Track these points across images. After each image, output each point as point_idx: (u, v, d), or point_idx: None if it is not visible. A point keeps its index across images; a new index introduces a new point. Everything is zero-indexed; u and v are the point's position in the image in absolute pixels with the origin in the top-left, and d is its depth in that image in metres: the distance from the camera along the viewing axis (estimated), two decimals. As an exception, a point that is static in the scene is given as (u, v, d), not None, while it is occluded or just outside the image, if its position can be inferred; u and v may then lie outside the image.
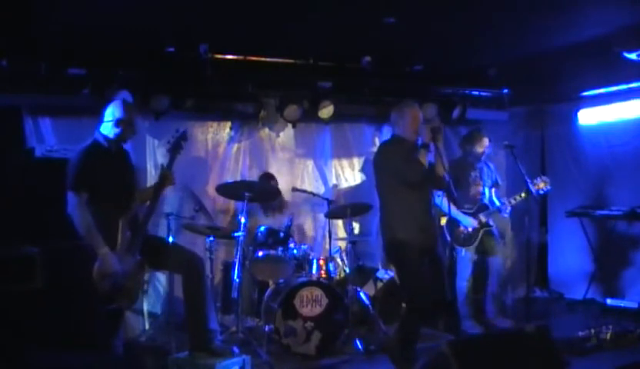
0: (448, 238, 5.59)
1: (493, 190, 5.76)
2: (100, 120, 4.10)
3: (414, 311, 4.31)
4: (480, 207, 5.60)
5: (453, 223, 5.59)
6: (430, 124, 4.47)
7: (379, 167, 4.51)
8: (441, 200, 4.98)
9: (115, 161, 4.11)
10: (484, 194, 5.68)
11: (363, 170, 7.02)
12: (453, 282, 5.59)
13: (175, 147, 4.23)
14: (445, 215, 5.40)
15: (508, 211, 5.55)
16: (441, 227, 5.57)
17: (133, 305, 4.27)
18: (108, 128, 4.06)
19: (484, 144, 5.72)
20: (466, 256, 5.61)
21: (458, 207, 5.51)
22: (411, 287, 4.32)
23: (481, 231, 5.58)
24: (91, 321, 4.01)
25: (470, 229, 5.56)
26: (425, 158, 4.34)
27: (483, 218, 5.56)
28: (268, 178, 6.13)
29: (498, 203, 5.62)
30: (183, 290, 4.23)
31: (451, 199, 4.45)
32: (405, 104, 4.55)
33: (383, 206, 4.49)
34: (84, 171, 3.91)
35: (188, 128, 6.01)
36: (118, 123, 4.03)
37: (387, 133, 6.84)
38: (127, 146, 4.42)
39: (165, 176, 4.17)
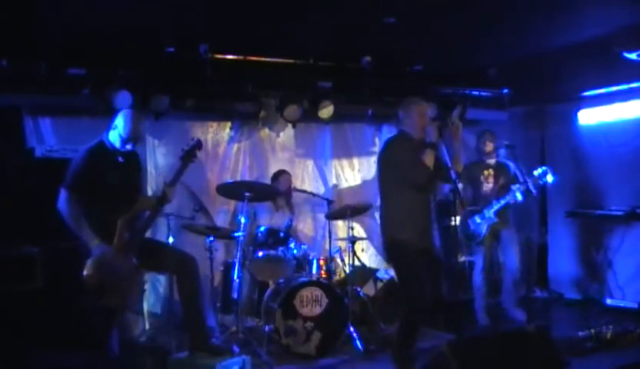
0: (460, 235, 5.83)
1: (510, 186, 5.72)
2: (109, 125, 4.17)
3: (413, 311, 4.31)
4: (486, 203, 5.70)
5: (463, 220, 5.78)
6: (437, 123, 4.39)
7: (383, 164, 4.41)
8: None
9: (119, 163, 4.14)
10: (495, 189, 5.76)
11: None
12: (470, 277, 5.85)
13: (188, 156, 4.19)
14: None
15: (519, 198, 5.59)
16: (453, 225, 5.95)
17: (124, 306, 4.23)
18: (115, 138, 4.13)
19: (490, 140, 5.86)
20: (480, 252, 5.75)
21: (473, 204, 5.74)
22: (409, 286, 4.30)
23: (485, 226, 5.66)
24: (88, 321, 4.00)
25: (477, 223, 5.68)
26: (431, 157, 4.22)
27: (487, 213, 5.65)
28: (280, 173, 6.17)
29: (513, 197, 5.61)
30: (178, 291, 4.26)
31: (459, 198, 4.42)
32: (412, 101, 4.43)
33: (384, 204, 4.42)
34: (83, 173, 3.93)
35: (188, 128, 6.13)
36: (125, 141, 4.12)
37: (387, 133, 6.85)
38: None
39: (165, 193, 4.14)
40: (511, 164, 5.89)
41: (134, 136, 4.16)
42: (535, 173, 5.62)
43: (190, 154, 4.19)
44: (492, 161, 5.86)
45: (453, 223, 6.56)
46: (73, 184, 3.92)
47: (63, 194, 3.91)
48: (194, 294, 4.21)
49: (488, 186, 5.80)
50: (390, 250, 4.44)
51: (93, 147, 4.08)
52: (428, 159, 4.20)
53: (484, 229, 5.65)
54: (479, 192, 5.80)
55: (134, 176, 4.29)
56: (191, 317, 4.21)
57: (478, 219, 5.69)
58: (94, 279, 3.82)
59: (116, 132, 4.13)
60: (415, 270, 4.22)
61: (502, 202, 5.60)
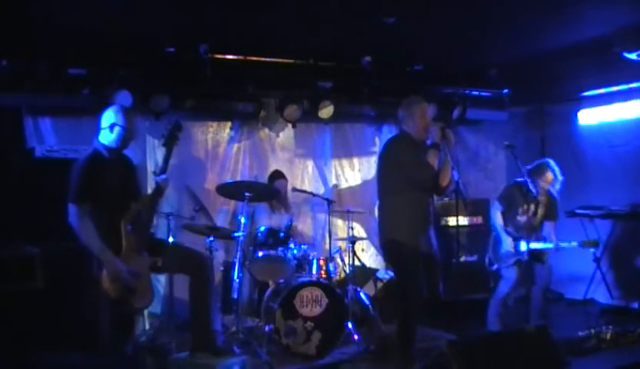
0: (492, 254, 5.48)
1: (547, 223, 5.44)
2: (97, 127, 4.05)
3: (410, 311, 4.31)
4: (522, 235, 5.34)
5: (496, 240, 5.45)
6: (441, 123, 4.37)
7: (385, 163, 4.40)
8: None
9: (115, 169, 4.04)
10: (530, 223, 5.41)
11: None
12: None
13: (170, 139, 4.12)
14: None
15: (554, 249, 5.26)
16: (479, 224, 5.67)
17: (151, 303, 4.22)
18: (106, 136, 4.00)
19: (547, 180, 5.38)
20: (512, 271, 5.37)
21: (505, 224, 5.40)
22: (407, 286, 4.30)
23: (515, 259, 5.31)
24: (95, 323, 3.99)
25: (509, 250, 5.34)
26: (435, 159, 4.21)
27: (523, 246, 5.28)
28: (277, 176, 6.15)
29: (550, 243, 5.29)
30: (190, 291, 4.21)
31: (461, 200, 4.38)
32: (413, 100, 4.39)
33: (384, 204, 4.41)
34: (85, 183, 3.85)
35: (188, 128, 6.12)
36: (112, 127, 3.97)
37: (387, 133, 6.85)
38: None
39: (158, 184, 4.11)
40: (554, 200, 5.49)
41: (125, 124, 3.97)
42: (587, 243, 5.30)
43: (171, 137, 4.12)
44: (537, 191, 5.27)
45: (454, 223, 6.58)
46: (79, 197, 3.84)
47: (72, 210, 3.83)
48: (205, 295, 4.20)
49: (523, 218, 5.41)
50: (388, 249, 4.44)
51: (88, 157, 3.96)
52: (431, 160, 4.20)
53: (513, 261, 5.30)
54: (514, 220, 5.41)
55: (130, 180, 4.20)
56: (199, 318, 4.20)
57: (509, 244, 5.31)
58: (115, 289, 3.79)
59: (106, 130, 3.97)
60: (412, 270, 4.22)
61: (541, 245, 5.27)
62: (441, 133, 4.23)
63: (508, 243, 5.36)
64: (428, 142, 4.32)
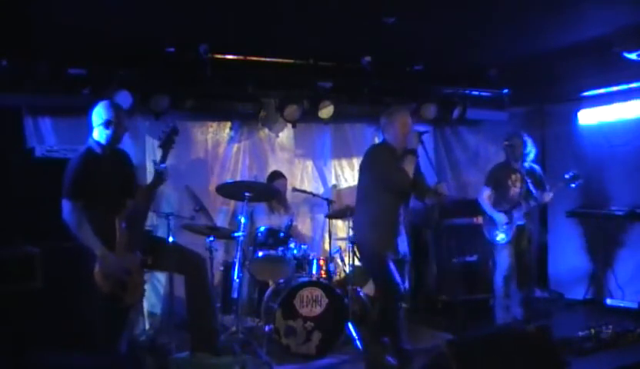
0: (487, 236, 5.70)
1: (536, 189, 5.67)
2: (89, 125, 4.05)
3: (389, 308, 4.43)
4: (514, 205, 5.60)
5: (490, 221, 5.67)
6: (417, 132, 4.48)
7: (365, 169, 4.55)
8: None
9: (109, 165, 4.05)
10: (521, 193, 5.65)
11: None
12: (491, 280, 5.75)
13: (167, 142, 4.13)
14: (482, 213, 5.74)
15: (548, 198, 5.63)
16: (479, 224, 5.89)
17: (141, 299, 4.23)
18: (99, 133, 4.00)
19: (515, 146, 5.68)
20: (505, 253, 5.61)
21: (496, 207, 5.64)
22: (389, 286, 4.39)
23: (514, 227, 5.56)
24: (92, 321, 3.99)
25: (504, 225, 5.57)
26: (411, 165, 4.36)
27: (516, 215, 5.56)
28: (276, 176, 6.15)
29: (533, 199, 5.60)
30: (186, 291, 4.22)
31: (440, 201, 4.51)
32: (395, 110, 4.57)
33: (364, 208, 4.53)
34: (78, 180, 3.87)
35: (188, 128, 6.13)
36: (107, 124, 3.96)
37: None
38: (127, 146, 4.38)
39: (159, 174, 4.10)
40: (537, 168, 5.82)
41: (116, 119, 3.98)
42: (567, 176, 5.61)
43: (168, 140, 4.13)
44: (519, 165, 5.68)
45: (453, 223, 6.60)
46: (72, 193, 3.85)
47: (66, 205, 3.84)
48: (203, 294, 4.22)
49: (515, 190, 5.64)
50: (365, 251, 4.57)
51: (82, 155, 3.98)
52: (408, 166, 4.35)
53: (511, 232, 5.55)
54: (506, 196, 5.65)
55: (125, 177, 4.20)
56: (197, 318, 4.21)
57: (504, 219, 5.57)
58: (107, 284, 3.81)
59: (101, 127, 3.98)
60: (387, 271, 4.34)
61: (532, 204, 5.57)
62: (418, 139, 4.39)
63: (501, 218, 5.57)
64: (407, 148, 4.44)
